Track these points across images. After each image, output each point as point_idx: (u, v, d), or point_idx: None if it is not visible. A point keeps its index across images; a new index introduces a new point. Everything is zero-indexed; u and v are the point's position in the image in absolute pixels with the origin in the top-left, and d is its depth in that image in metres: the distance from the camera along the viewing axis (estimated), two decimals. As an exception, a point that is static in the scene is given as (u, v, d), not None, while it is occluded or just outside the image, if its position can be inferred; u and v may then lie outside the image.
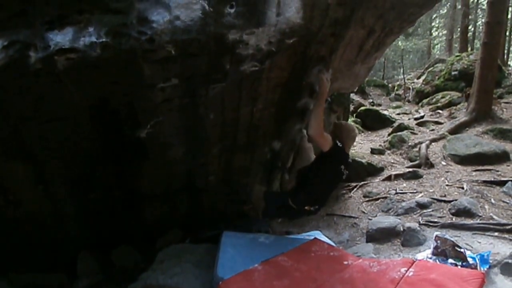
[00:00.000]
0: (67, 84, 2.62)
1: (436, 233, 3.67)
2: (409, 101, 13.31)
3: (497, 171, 5.86)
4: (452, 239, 3.54)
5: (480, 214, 4.44)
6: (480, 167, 6.11)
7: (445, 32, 23.03)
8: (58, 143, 3.12)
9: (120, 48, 2.45)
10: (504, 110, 8.64)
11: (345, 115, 6.31)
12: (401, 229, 4.15)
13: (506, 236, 3.96)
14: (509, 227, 4.04)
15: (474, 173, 5.91)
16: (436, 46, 26.41)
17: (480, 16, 19.68)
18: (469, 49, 17.67)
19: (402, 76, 16.10)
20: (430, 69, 14.65)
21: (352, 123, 3.62)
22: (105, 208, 3.80)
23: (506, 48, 17.04)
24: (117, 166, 3.52)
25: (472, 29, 20.02)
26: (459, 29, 19.92)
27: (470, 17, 18.26)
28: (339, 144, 3.36)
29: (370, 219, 4.78)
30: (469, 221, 4.30)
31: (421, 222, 4.43)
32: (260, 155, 4.24)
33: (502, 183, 5.32)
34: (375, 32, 3.15)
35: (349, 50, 3.25)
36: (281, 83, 3.36)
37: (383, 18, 3.01)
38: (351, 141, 3.60)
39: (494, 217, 4.36)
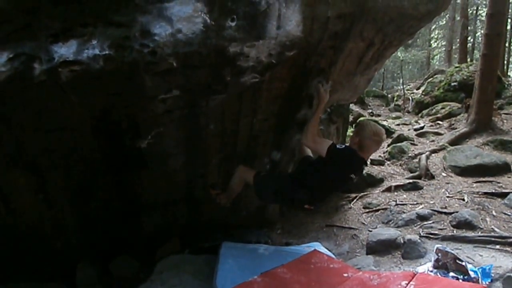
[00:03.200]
0: (70, 96, 2.66)
1: (437, 245, 3.65)
2: (408, 112, 13.34)
3: (498, 182, 5.85)
4: (453, 252, 3.52)
5: (481, 227, 4.42)
6: (481, 179, 6.10)
7: (444, 43, 23.16)
8: (60, 153, 3.16)
9: (123, 61, 2.48)
10: (505, 121, 8.65)
11: (344, 125, 6.33)
12: (402, 241, 4.13)
13: (508, 249, 3.93)
14: (511, 240, 4.02)
15: (475, 185, 5.89)
16: (436, 57, 26.53)
17: (479, 27, 19.80)
18: (469, 60, 17.75)
19: (401, 87, 16.16)
20: (429, 80, 14.71)
21: (368, 123, 3.33)
22: (105, 217, 3.81)
23: (506, 59, 17.09)
24: (117, 176, 3.55)
25: (472, 40, 20.13)
26: (458, 40, 20.08)
27: (469, 28, 18.36)
28: (340, 146, 3.11)
29: (370, 231, 4.77)
30: (470, 234, 4.28)
31: (421, 234, 4.41)
32: (259, 166, 4.25)
33: (503, 195, 5.30)
34: (374, 44, 3.19)
35: (348, 62, 3.28)
36: (281, 94, 3.39)
37: (383, 31, 3.04)
38: (373, 145, 3.10)
39: (496, 229, 4.34)
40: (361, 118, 9.77)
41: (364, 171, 6.43)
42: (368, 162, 7.23)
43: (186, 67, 2.66)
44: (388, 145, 8.19)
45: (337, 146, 3.08)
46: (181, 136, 3.34)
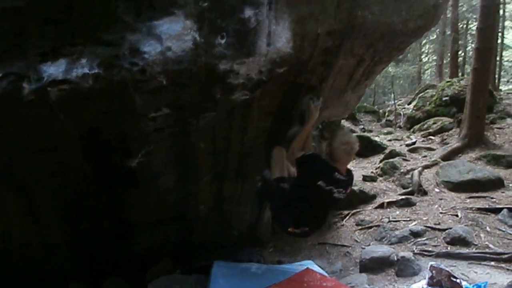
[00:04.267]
0: (60, 115, 2.64)
1: (431, 263, 3.62)
2: (400, 127, 13.40)
3: (492, 198, 5.83)
4: (447, 269, 3.48)
5: (475, 243, 4.39)
6: (474, 194, 6.08)
7: (435, 57, 23.42)
8: (49, 173, 3.11)
9: (112, 79, 2.47)
10: (497, 135, 8.70)
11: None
12: (395, 259, 4.08)
13: (503, 265, 3.90)
14: (506, 256, 3.99)
15: (468, 200, 5.88)
16: (426, 72, 26.81)
17: (470, 41, 20.09)
18: (460, 74, 17.95)
19: (392, 102, 16.28)
20: (420, 94, 14.82)
21: (355, 137, 3.12)
22: (95, 238, 3.74)
23: (497, 73, 17.29)
24: (107, 195, 3.50)
25: (462, 54, 20.38)
26: (449, 54, 20.35)
27: (460, 42, 18.61)
28: (307, 153, 3.04)
29: (363, 248, 4.72)
30: (464, 250, 4.25)
31: (415, 251, 4.37)
32: (251, 183, 4.22)
33: (497, 211, 5.28)
34: (365, 61, 3.21)
35: (339, 78, 3.29)
36: (272, 111, 3.39)
37: (373, 47, 3.06)
38: (343, 154, 2.88)
39: (490, 245, 4.32)
40: (354, 135, 9.76)
41: (355, 187, 6.48)
42: (360, 178, 7.26)
43: (176, 85, 2.65)
44: (380, 161, 8.19)
45: (304, 154, 3.06)
46: (171, 154, 3.31)
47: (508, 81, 26.07)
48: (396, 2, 2.77)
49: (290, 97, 3.23)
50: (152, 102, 2.75)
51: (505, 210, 5.17)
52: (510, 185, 6.43)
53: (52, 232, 3.56)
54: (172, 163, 3.40)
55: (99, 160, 3.16)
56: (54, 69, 2.42)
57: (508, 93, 15.00)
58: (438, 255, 4.21)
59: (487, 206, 5.52)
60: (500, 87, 18.15)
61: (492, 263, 3.99)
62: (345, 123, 11.36)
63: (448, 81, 13.87)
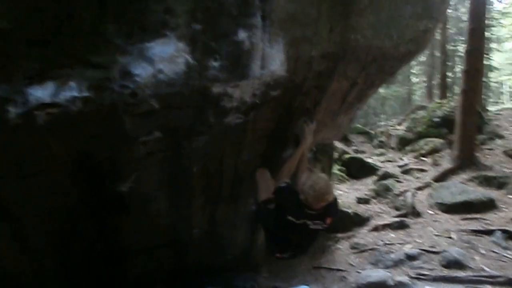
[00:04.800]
0: (48, 139, 2.56)
1: (427, 287, 3.55)
2: (392, 148, 13.45)
3: (485, 219, 5.83)
4: (445, 294, 3.42)
5: (471, 266, 4.35)
6: (467, 216, 6.09)
7: (424, 79, 23.80)
8: (36, 199, 3.00)
9: (102, 103, 2.41)
10: (488, 156, 8.77)
11: (330, 163, 6.30)
12: (392, 284, 4.02)
13: (499, 288, 3.86)
14: (501, 279, 3.95)
15: (461, 222, 5.86)
16: (416, 93, 27.20)
17: (458, 63, 20.48)
18: (448, 95, 18.19)
19: (384, 123, 16.40)
20: (411, 115, 14.96)
21: (326, 179, 2.89)
22: (86, 264, 3.61)
23: (484, 93, 17.55)
24: (97, 221, 3.39)
25: (451, 75, 20.72)
26: (438, 76, 20.71)
27: (448, 64, 18.95)
28: (281, 185, 3.00)
29: (359, 272, 4.63)
30: (460, 274, 4.20)
31: (411, 275, 4.30)
32: (244, 207, 4.16)
33: (490, 232, 5.29)
34: (357, 84, 3.20)
35: (332, 101, 3.28)
36: (266, 134, 3.35)
37: (365, 71, 3.06)
38: (309, 197, 2.75)
39: (486, 268, 4.28)
40: (346, 156, 9.78)
41: (348, 209, 6.44)
42: (354, 200, 7.21)
43: (168, 109, 2.60)
44: (374, 183, 8.17)
45: (280, 185, 3.07)
46: (163, 178, 3.24)
47: (495, 102, 26.59)
48: (387, 27, 2.78)
49: (284, 120, 3.20)
50: (144, 126, 2.69)
51: (498, 232, 5.18)
52: (502, 206, 6.44)
53: (41, 258, 3.42)
54: (164, 187, 3.33)
55: (89, 185, 3.07)
56: (41, 92, 2.35)
57: (496, 114, 15.20)
58: (435, 279, 4.16)
59: (480, 228, 5.52)
60: (488, 108, 18.44)
61: (488, 286, 3.97)
62: (338, 144, 11.38)
63: (438, 102, 14.05)
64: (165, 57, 2.37)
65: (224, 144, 3.24)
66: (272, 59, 2.50)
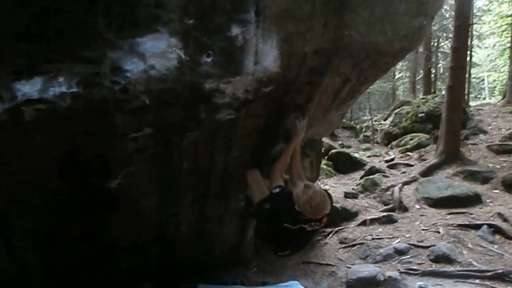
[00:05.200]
0: (35, 136, 2.50)
1: (419, 283, 3.60)
2: (377, 143, 13.58)
3: (471, 214, 5.92)
4: (435, 289, 3.46)
5: (459, 260, 4.40)
6: (453, 210, 6.17)
7: (408, 74, 24.04)
8: (23, 196, 2.95)
9: (92, 98, 2.36)
10: (472, 151, 8.88)
11: (318, 158, 6.30)
12: (382, 279, 4.03)
13: (488, 283, 3.93)
14: (490, 274, 4.02)
15: (448, 217, 5.94)
16: (400, 88, 27.46)
17: (441, 59, 20.73)
18: (432, 91, 18.42)
19: (369, 117, 16.53)
20: (396, 111, 15.12)
21: (322, 194, 2.79)
22: (72, 262, 3.57)
23: (466, 89, 17.79)
24: (85, 218, 3.34)
25: (434, 71, 20.96)
26: (421, 71, 20.96)
27: (432, 60, 19.15)
28: (275, 191, 2.96)
29: (349, 267, 4.66)
30: (449, 268, 4.25)
31: (401, 270, 4.34)
32: (234, 203, 4.14)
33: (477, 227, 5.36)
34: (350, 80, 3.19)
35: (324, 97, 3.27)
36: (257, 130, 3.32)
37: (359, 67, 3.06)
38: (303, 211, 2.72)
39: (474, 263, 4.34)
40: (333, 151, 9.83)
41: (337, 204, 6.47)
42: (342, 195, 7.26)
43: (160, 105, 2.55)
44: (361, 178, 8.23)
45: (274, 191, 3.02)
46: (153, 175, 3.19)
47: (475, 97, 27.08)
48: (382, 23, 2.77)
49: (275, 116, 3.17)
50: (134, 122, 2.65)
51: (484, 226, 5.25)
52: (487, 200, 6.55)
53: (26, 256, 3.37)
54: (153, 184, 3.28)
55: (77, 182, 3.01)
56: (29, 88, 2.29)
57: (478, 109, 15.45)
58: (424, 274, 4.20)
59: (467, 222, 5.59)
60: (470, 103, 18.72)
61: (477, 281, 4.01)
62: (324, 139, 11.42)
63: (423, 98, 14.21)
64: (157, 52, 2.33)
65: (215, 140, 3.21)
66: (266, 55, 2.48)
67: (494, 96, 28.02)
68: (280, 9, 2.38)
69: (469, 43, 14.15)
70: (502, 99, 18.89)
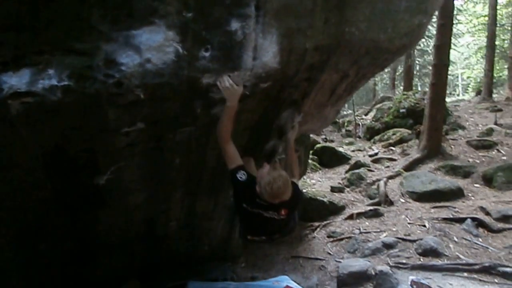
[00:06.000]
0: (21, 130, 2.38)
1: (411, 277, 3.64)
2: (359, 137, 13.72)
3: (454, 207, 6.03)
4: (426, 282, 3.49)
5: (446, 254, 4.49)
6: (437, 204, 6.28)
7: (387, 70, 24.34)
8: (5, 192, 2.81)
9: (84, 92, 2.26)
10: (452, 146, 9.07)
11: (306, 153, 6.31)
12: (373, 273, 4.07)
13: (475, 276, 4.01)
14: (477, 267, 4.11)
15: (432, 210, 6.04)
16: (379, 84, 27.81)
17: (417, 57, 21.04)
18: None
19: (350, 112, 16.66)
20: (378, 106, 15.29)
21: (285, 179, 2.65)
22: (56, 260, 3.46)
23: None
24: (71, 215, 3.23)
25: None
26: (399, 68, 21.30)
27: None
28: (239, 177, 2.73)
29: (338, 261, 4.69)
30: (437, 262, 4.33)
31: (390, 264, 4.39)
32: (224, 198, 4.10)
33: (461, 220, 5.47)
34: (348, 76, 3.17)
35: (321, 94, 3.24)
36: (250, 126, 3.28)
37: (358, 63, 3.03)
38: (263, 192, 2.60)
39: (461, 256, 4.42)
40: (318, 145, 9.86)
41: (324, 198, 6.51)
42: (328, 189, 7.30)
43: (154, 99, 2.47)
44: (346, 172, 8.28)
45: (232, 168, 2.78)
46: (143, 171, 3.12)
47: (450, 93, 27.72)
48: (382, 20, 2.75)
49: (270, 112, 3.13)
50: (127, 117, 2.56)
51: (468, 220, 5.36)
52: (469, 194, 6.69)
53: (6, 254, 3.23)
54: (143, 180, 3.21)
55: (64, 178, 2.91)
56: (16, 80, 2.17)
57: (454, 105, 15.81)
58: (413, 268, 4.26)
59: (451, 216, 5.70)
60: (446, 99, 19.10)
61: (465, 274, 4.09)
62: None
63: (404, 94, 14.41)
64: (153, 45, 2.24)
65: (208, 136, 3.15)
66: (265, 51, 2.42)
67: (467, 92, 28.83)
68: (281, 4, 2.32)
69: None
70: (476, 95, 19.53)
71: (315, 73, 2.81)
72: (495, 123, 11.65)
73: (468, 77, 29.78)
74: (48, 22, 2.13)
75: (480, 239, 4.94)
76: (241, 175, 2.73)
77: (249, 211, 2.72)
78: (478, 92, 19.91)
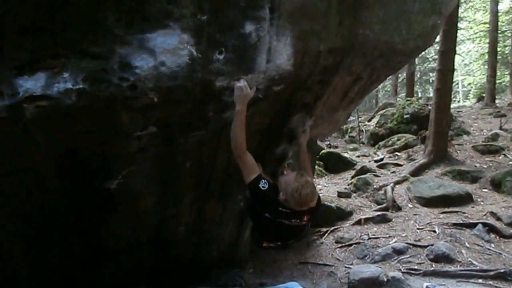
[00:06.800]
0: (34, 134, 2.39)
1: (425, 284, 3.59)
2: (363, 143, 13.71)
3: (464, 213, 5.98)
4: (442, 289, 3.45)
5: (459, 260, 4.43)
6: (446, 209, 6.23)
7: (389, 77, 24.36)
8: (16, 198, 2.81)
9: (98, 95, 2.26)
10: (458, 151, 9.03)
11: (313, 159, 6.29)
12: (385, 279, 4.01)
13: (491, 282, 3.95)
14: (492, 273, 4.04)
15: (442, 216, 5.99)
16: (381, 91, 27.85)
17: (417, 63, 21.08)
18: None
19: (353, 118, 16.64)
20: (381, 112, 15.28)
21: (313, 186, 2.63)
22: (64, 266, 3.43)
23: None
24: (80, 220, 3.22)
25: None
26: (399, 75, 21.36)
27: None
28: (262, 186, 2.65)
29: (347, 267, 4.64)
30: (450, 268, 4.27)
31: (402, 270, 4.33)
32: (233, 203, 4.07)
33: (471, 226, 5.42)
34: (362, 79, 3.16)
35: (333, 97, 3.23)
36: (261, 130, 3.26)
37: (371, 66, 3.02)
38: (293, 203, 2.56)
39: (474, 262, 4.36)
40: (323, 151, 9.84)
41: (331, 203, 6.48)
42: (335, 194, 7.26)
43: (168, 102, 2.47)
44: (352, 177, 8.25)
45: (253, 179, 2.69)
46: (154, 175, 3.11)
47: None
48: (396, 22, 2.75)
49: (281, 116, 3.12)
50: (140, 121, 2.56)
51: (479, 225, 5.30)
52: (478, 199, 6.64)
53: (14, 261, 3.22)
54: (154, 184, 3.20)
55: (75, 182, 2.90)
56: (32, 84, 2.18)
57: (457, 111, 15.80)
58: (426, 274, 4.20)
59: (461, 221, 5.64)
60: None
61: (480, 280, 4.03)
62: (313, 139, 11.43)
63: (407, 100, 14.41)
64: (168, 48, 2.25)
65: (219, 140, 3.14)
66: (279, 53, 2.42)
67: (468, 99, 28.86)
68: (296, 6, 2.33)
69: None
70: (477, 102, 19.57)
71: (328, 75, 2.81)
72: (500, 128, 11.62)
73: (468, 84, 29.81)
74: (64, 25, 2.14)
75: (493, 245, 4.88)
76: (264, 184, 2.66)
77: (271, 220, 2.65)
78: (479, 99, 19.97)
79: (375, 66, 3.05)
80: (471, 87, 29.10)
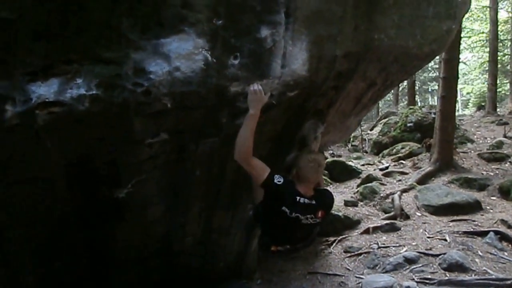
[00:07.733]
0: (46, 141, 2.34)
1: (442, 293, 3.50)
2: (366, 152, 13.67)
3: (474, 221, 5.91)
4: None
5: (473, 269, 4.34)
6: (455, 217, 6.16)
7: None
8: (25, 206, 2.76)
9: (112, 101, 2.23)
10: (464, 159, 8.98)
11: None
12: (399, 289, 3.95)
13: (508, 292, 3.87)
14: (508, 282, 3.96)
15: (451, 224, 5.91)
16: (381, 100, 27.90)
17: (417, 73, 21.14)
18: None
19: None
20: (383, 121, 15.27)
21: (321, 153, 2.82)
22: (71, 277, 3.36)
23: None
24: (88, 230, 3.16)
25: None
26: (401, 84, 21.33)
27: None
28: (277, 181, 2.64)
29: (358, 277, 4.55)
30: (465, 277, 4.18)
31: (415, 279, 4.25)
32: (241, 213, 4.01)
33: (483, 234, 5.34)
34: (376, 84, 3.13)
35: (345, 103, 3.19)
36: (273, 136, 3.22)
37: (386, 71, 3.00)
38: (311, 173, 2.67)
39: (489, 271, 4.28)
40: (328, 160, 9.78)
41: (338, 212, 6.40)
42: (342, 203, 7.18)
43: (180, 108, 2.43)
44: (358, 186, 8.18)
45: (273, 180, 2.67)
46: (163, 183, 3.06)
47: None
48: (411, 26, 2.73)
49: (293, 122, 3.08)
50: (152, 127, 2.52)
51: (491, 233, 5.23)
52: (487, 207, 6.57)
53: (21, 272, 3.16)
54: (162, 193, 3.15)
55: (85, 191, 2.85)
56: (44, 90, 2.15)
57: (459, 119, 15.79)
58: (441, 283, 4.11)
59: (472, 230, 5.56)
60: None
61: (496, 290, 3.94)
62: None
63: (410, 108, 14.40)
64: (183, 53, 2.22)
65: (229, 147, 3.09)
66: (294, 58, 2.39)
67: (468, 108, 28.89)
68: (311, 11, 2.30)
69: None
70: (477, 110, 19.64)
71: (342, 81, 2.78)
72: (504, 136, 11.59)
73: (467, 93, 29.89)
74: (78, 30, 2.12)
75: (506, 253, 4.80)
76: (279, 179, 2.68)
77: (286, 216, 2.64)
78: (479, 107, 20.05)
79: (389, 71, 3.02)
80: (470, 96, 29.16)
